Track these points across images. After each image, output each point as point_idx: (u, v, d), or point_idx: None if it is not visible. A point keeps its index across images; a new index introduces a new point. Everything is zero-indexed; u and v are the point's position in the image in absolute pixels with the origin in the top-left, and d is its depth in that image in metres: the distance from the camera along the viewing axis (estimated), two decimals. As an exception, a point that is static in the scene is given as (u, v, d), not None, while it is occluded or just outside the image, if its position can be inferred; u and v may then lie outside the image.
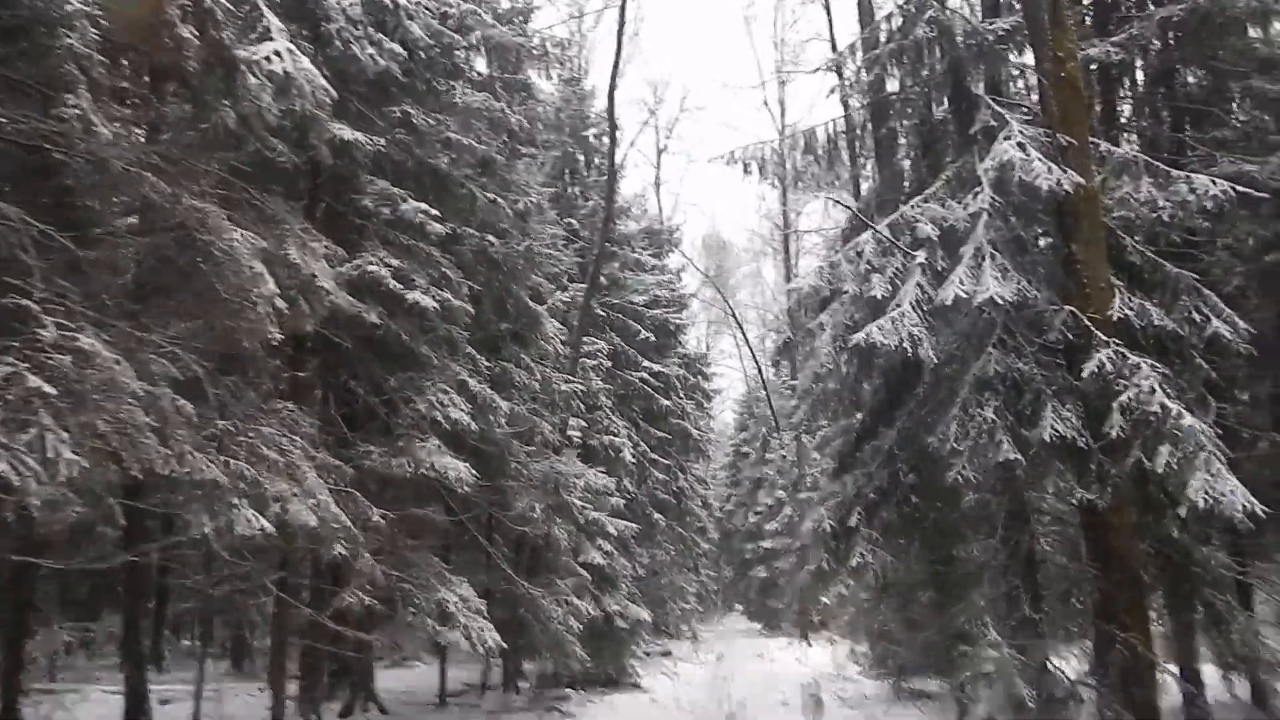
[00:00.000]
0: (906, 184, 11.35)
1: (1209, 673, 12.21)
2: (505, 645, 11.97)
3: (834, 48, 12.84)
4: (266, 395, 9.23)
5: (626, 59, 32.37)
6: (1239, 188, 9.28)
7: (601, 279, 21.84)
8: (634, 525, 19.25)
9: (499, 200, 13.69)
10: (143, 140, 8.17)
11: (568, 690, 15.85)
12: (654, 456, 25.11)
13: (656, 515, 24.88)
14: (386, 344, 11.69)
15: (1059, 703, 9.26)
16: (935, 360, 9.25)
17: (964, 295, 8.59)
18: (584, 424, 17.84)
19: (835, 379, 11.02)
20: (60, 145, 6.48)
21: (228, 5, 7.22)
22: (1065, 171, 8.89)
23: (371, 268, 11.23)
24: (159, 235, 7.53)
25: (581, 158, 24.00)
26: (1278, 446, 11.02)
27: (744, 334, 40.28)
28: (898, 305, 9.25)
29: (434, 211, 11.87)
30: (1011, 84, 11.27)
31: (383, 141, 11.56)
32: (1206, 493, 7.89)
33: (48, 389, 5.42)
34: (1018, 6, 10.52)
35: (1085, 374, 8.68)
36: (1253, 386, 11.71)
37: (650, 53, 77.64)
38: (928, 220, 9.61)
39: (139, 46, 7.31)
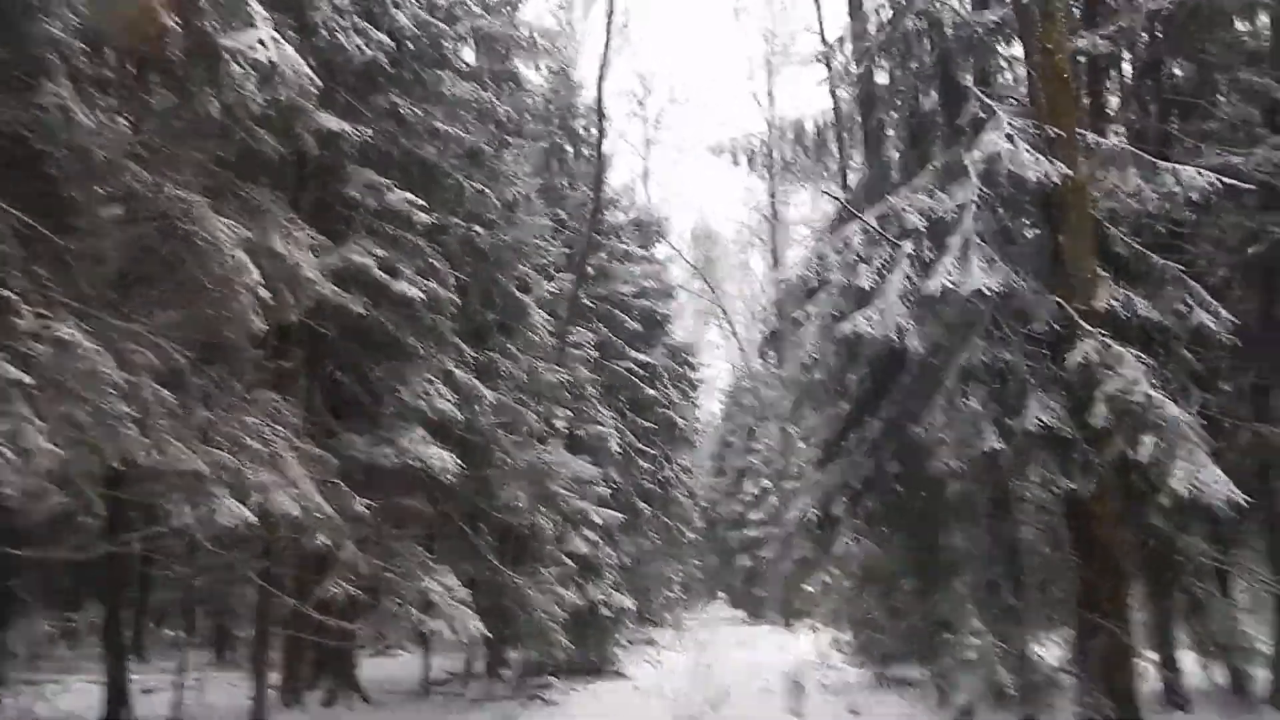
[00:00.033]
0: (895, 175, 11.37)
1: (1187, 660, 12.36)
2: (489, 634, 11.98)
3: (823, 40, 12.79)
4: (250, 385, 9.16)
5: (615, 50, 32.15)
6: (1225, 179, 9.32)
7: (589, 269, 21.82)
8: (619, 514, 19.27)
9: (486, 190, 13.64)
10: (127, 130, 8.07)
11: (551, 678, 15.86)
12: (640, 446, 25.14)
13: (642, 504, 24.92)
14: (372, 334, 11.65)
15: (1039, 689, 9.35)
16: (921, 350, 9.28)
17: (951, 286, 8.62)
18: (570, 414, 17.82)
19: (822, 369, 11.05)
20: (40, 134, 6.39)
21: (212, -8, 7.14)
22: (1053, 163, 8.91)
23: (357, 258, 11.18)
24: (142, 225, 7.46)
25: (570, 149, 23.93)
26: (1259, 437, 11.10)
27: (731, 324, 40.31)
28: (884, 296, 9.27)
29: (420, 202, 11.82)
30: (1000, 76, 11.28)
31: (369, 132, 11.49)
32: (1189, 482, 7.95)
33: (26, 379, 5.37)
34: (1007, -2, 10.54)
35: (1070, 364, 8.73)
36: (1236, 377, 11.79)
37: (639, 44, 77.26)
38: (915, 211, 9.63)
39: (122, 35, 7.22)
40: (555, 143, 23.18)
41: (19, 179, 6.82)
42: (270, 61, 7.26)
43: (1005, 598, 9.51)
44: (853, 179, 12.66)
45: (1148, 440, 8.21)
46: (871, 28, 11.47)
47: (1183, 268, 9.82)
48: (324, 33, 10.88)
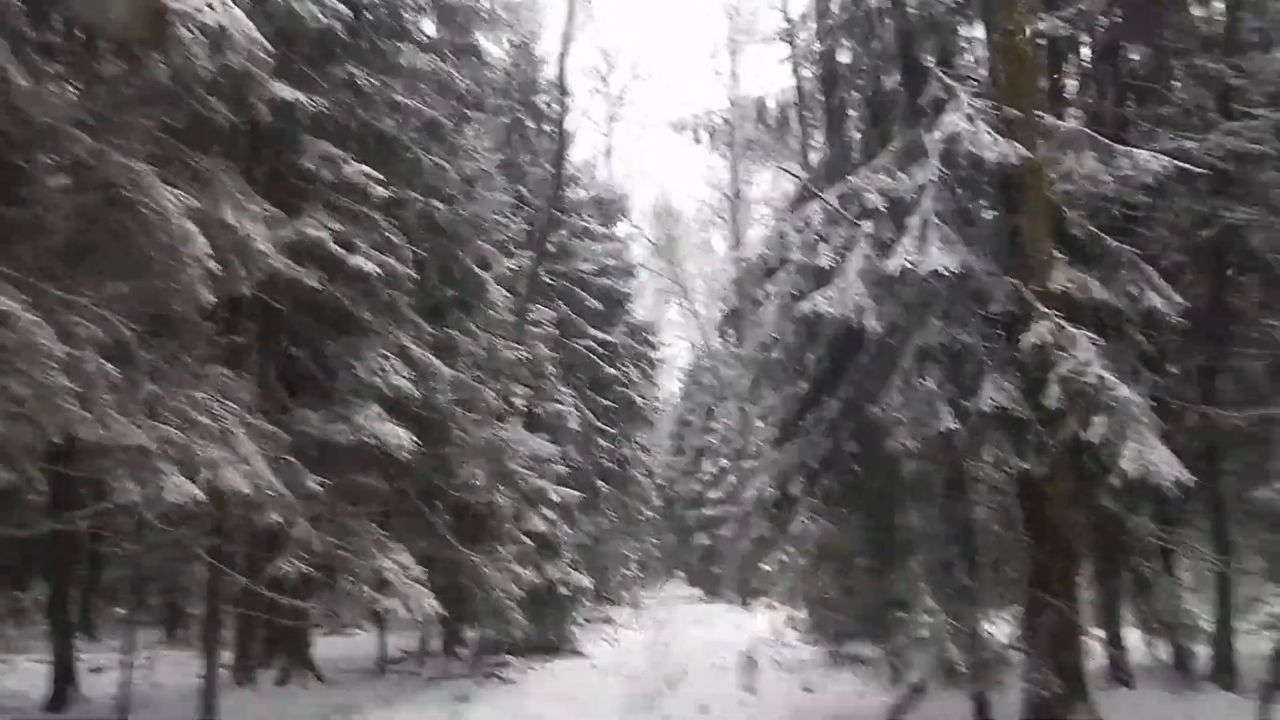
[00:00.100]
0: (856, 155, 11.35)
1: (1133, 637, 12.63)
2: (445, 613, 11.93)
3: (787, 17, 12.74)
4: (201, 360, 8.97)
5: (578, 25, 31.90)
6: (1179, 163, 9.42)
7: (549, 246, 21.70)
8: (578, 493, 19.28)
9: (446, 165, 13.48)
10: (74, 97, 7.82)
11: (508, 657, 15.86)
12: (599, 424, 25.16)
13: (600, 483, 24.97)
14: (327, 309, 11.48)
15: (989, 667, 9.47)
16: (879, 330, 9.29)
17: (910, 266, 8.62)
18: (529, 392, 17.75)
19: (780, 348, 11.04)
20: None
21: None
22: (1012, 144, 8.94)
23: (312, 231, 10.98)
24: (88, 194, 7.24)
25: (531, 124, 23.72)
26: (1206, 419, 11.32)
27: (691, 303, 40.35)
28: (844, 275, 9.27)
29: (378, 175, 11.65)
30: (961, 57, 11.30)
31: (326, 102, 11.26)
32: (1139, 463, 8.05)
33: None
34: (969, -22, 10.53)
35: (1025, 345, 8.79)
36: (1184, 360, 12.00)
37: (602, 19, 76.81)
38: (875, 191, 9.62)
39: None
40: (516, 118, 22.97)
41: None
42: (220, 25, 7.06)
43: (958, 577, 9.59)
44: (814, 158, 12.63)
45: (1099, 421, 8.30)
46: (835, 6, 11.40)
47: (1136, 251, 9.93)
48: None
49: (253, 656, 13.09)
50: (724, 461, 37.81)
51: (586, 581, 18.66)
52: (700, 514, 39.60)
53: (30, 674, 12.35)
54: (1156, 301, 9.39)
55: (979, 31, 10.93)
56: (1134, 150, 9.49)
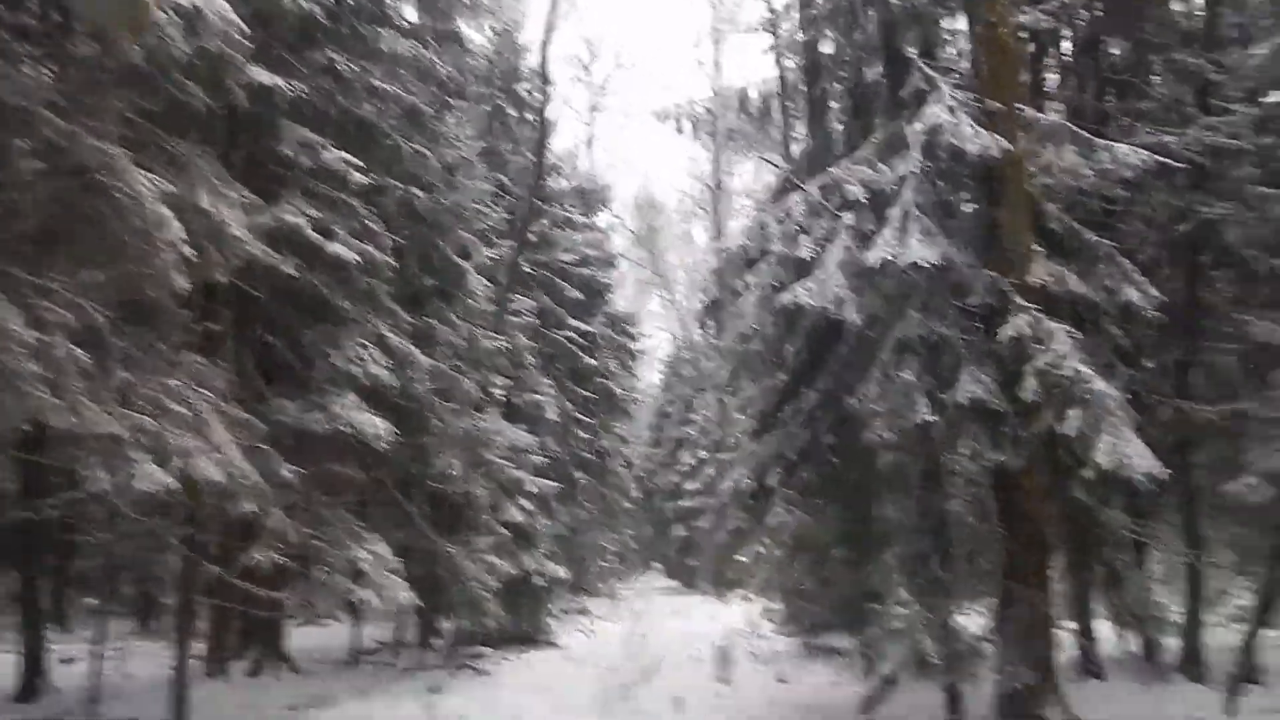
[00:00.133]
0: (838, 146, 11.34)
1: (1103, 629, 12.77)
2: (420, 603, 11.88)
3: (770, 7, 12.68)
4: (176, 347, 8.85)
5: (561, 13, 31.81)
6: (1157, 158, 9.49)
7: (530, 236, 21.61)
8: (555, 484, 19.24)
9: (426, 152, 13.36)
10: (48, 79, 7.69)
11: (483, 648, 15.82)
12: (578, 415, 25.13)
13: (578, 474, 24.96)
14: (304, 296, 11.35)
15: (962, 659, 9.54)
16: (859, 322, 9.31)
17: (890, 258, 8.63)
18: (508, 382, 17.68)
19: (760, 340, 11.05)
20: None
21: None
22: (993, 136, 8.97)
23: (290, 217, 10.86)
24: (61, 178, 7.12)
25: (513, 112, 23.59)
26: (1180, 413, 11.44)
27: (672, 295, 40.34)
28: (824, 267, 9.27)
29: (357, 161, 11.52)
30: (944, 49, 11.32)
31: (305, 88, 11.12)
32: (1113, 456, 8.12)
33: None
34: (952, -31, 10.55)
35: (1003, 338, 8.83)
36: (1159, 354, 12.12)
37: (585, 8, 76.27)
38: (857, 182, 9.63)
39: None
40: (498, 106, 22.83)
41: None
42: (195, 6, 6.95)
43: (933, 569, 9.65)
44: (796, 149, 12.62)
45: (1075, 414, 8.35)
46: (818, -4, 11.40)
47: (1114, 245, 10.00)
48: (257, -18, 10.47)
49: (226, 647, 12.99)
50: (702, 453, 37.87)
51: (563, 573, 18.63)
52: (678, 506, 39.66)
53: (-1, 664, 12.21)
54: (1133, 295, 9.46)
55: (962, 23, 10.95)
56: (1113, 144, 9.55)
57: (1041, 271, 9.30)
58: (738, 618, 20.37)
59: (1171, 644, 12.33)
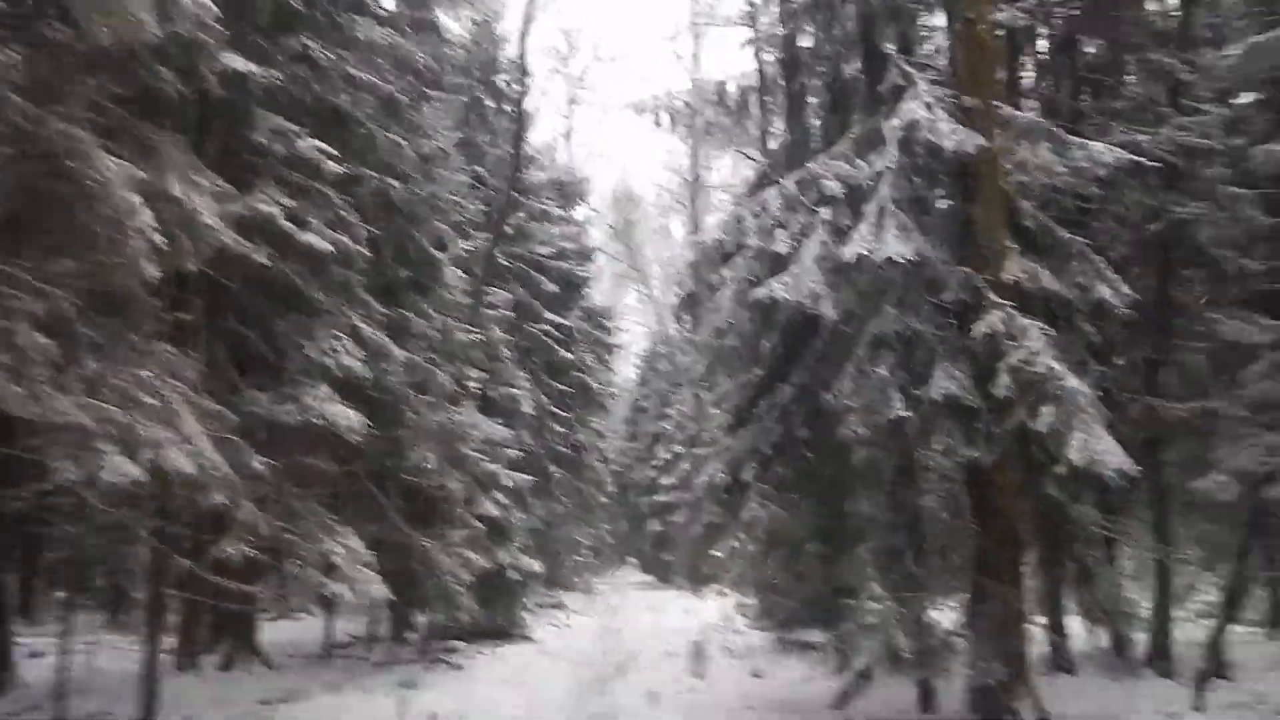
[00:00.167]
0: (815, 141, 11.37)
1: (1074, 624, 12.89)
2: (394, 597, 11.79)
3: (750, 1, 12.69)
4: (147, 337, 8.73)
5: (540, 5, 31.60)
6: (1131, 156, 9.56)
7: (507, 229, 21.51)
8: (531, 477, 19.19)
9: (402, 142, 13.25)
10: (17, 61, 7.54)
11: (457, 642, 15.76)
12: (554, 409, 25.07)
13: (554, 468, 24.90)
14: (277, 286, 11.23)
15: (935, 654, 9.59)
16: (834, 317, 9.33)
17: (866, 253, 8.65)
18: (484, 375, 17.61)
19: (735, 334, 11.06)
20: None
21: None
22: (970, 133, 9.00)
23: (263, 206, 10.73)
24: (29, 164, 6.99)
25: (491, 104, 23.46)
26: (1150, 410, 11.56)
27: (649, 289, 40.30)
28: (800, 261, 9.28)
29: (332, 150, 11.41)
30: (922, 45, 11.36)
31: (279, 75, 11.00)
32: (1085, 452, 8.17)
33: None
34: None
35: (977, 334, 8.87)
36: (1130, 351, 12.23)
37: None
38: (834, 177, 9.64)
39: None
40: (476, 97, 22.69)
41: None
42: (167, -10, 6.84)
43: (906, 564, 9.69)
44: (774, 144, 12.64)
45: (1047, 411, 8.40)
46: (798, -10, 11.39)
47: (1087, 242, 10.07)
48: (230, -33, 10.33)
49: (197, 641, 12.86)
50: (678, 448, 37.89)
51: (538, 567, 18.59)
52: (653, 500, 39.69)
53: (-36, 657, 12.01)
54: (1105, 293, 9.53)
55: (940, 20, 10.98)
56: (1088, 142, 9.61)
57: (1015, 268, 9.34)
58: (713, 612, 20.42)
59: (1141, 639, 12.47)
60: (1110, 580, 11.47)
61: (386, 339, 12.35)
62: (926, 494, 10.86)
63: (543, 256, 25.07)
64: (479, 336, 16.49)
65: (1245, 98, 12.31)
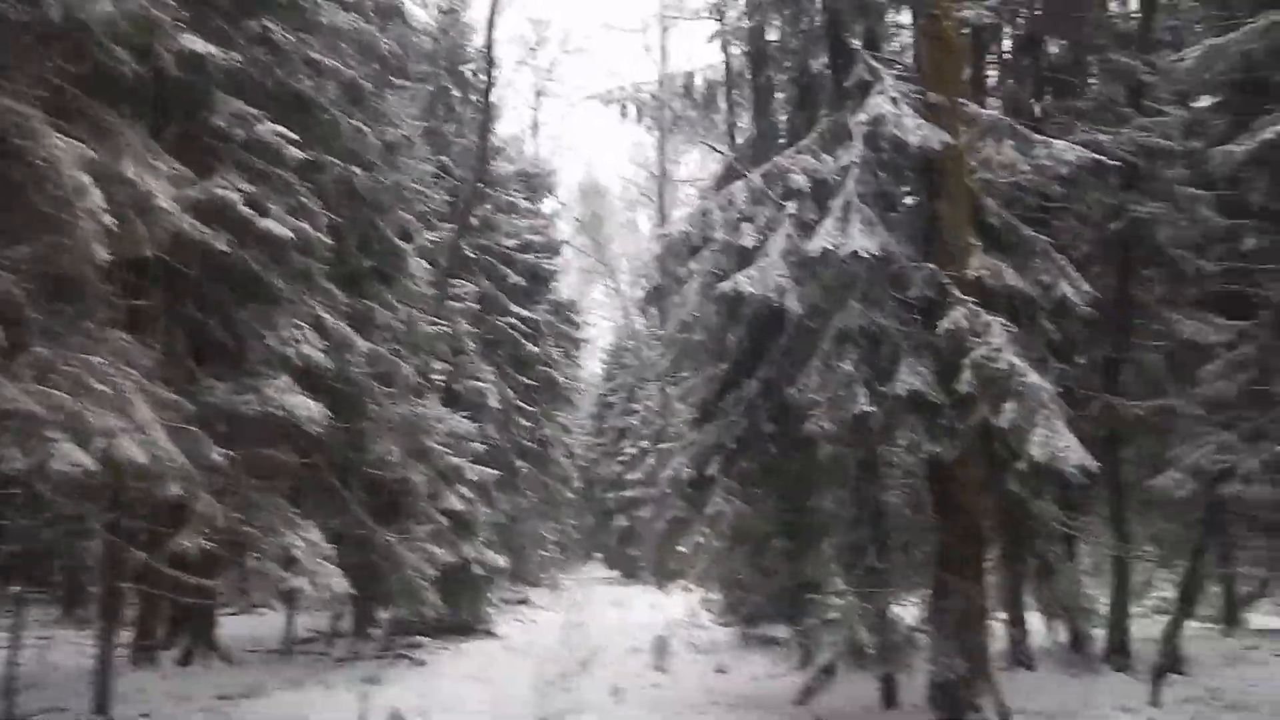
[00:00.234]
0: (782, 135, 11.37)
1: (1033, 620, 13.01)
2: (356, 592, 11.63)
3: (718, -7, 12.67)
4: (101, 324, 8.53)
5: (507, -5, 31.39)
6: (1093, 155, 9.64)
7: (473, 220, 21.35)
8: (496, 472, 19.06)
9: (366, 130, 13.06)
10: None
11: (421, 637, 15.63)
12: (519, 403, 24.94)
13: (519, 462, 24.78)
14: (236, 274, 11.03)
15: (897, 649, 9.64)
16: (800, 312, 9.33)
17: (831, 247, 8.65)
18: (449, 367, 17.46)
19: (701, 328, 11.04)
20: None
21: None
22: (935, 129, 9.02)
23: (221, 191, 10.52)
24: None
25: (457, 93, 23.25)
26: (1109, 407, 11.69)
27: (616, 283, 40.22)
28: (766, 255, 9.27)
29: (293, 136, 11.20)
30: (888, 41, 11.38)
31: (239, 58, 10.78)
32: (1046, 448, 8.23)
33: None
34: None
35: (941, 330, 8.90)
36: (1091, 349, 12.36)
37: (532, -10, 75.58)
38: (800, 171, 9.64)
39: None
40: (442, 86, 22.47)
41: None
42: (119, -36, 6.66)
43: (869, 559, 9.73)
44: (741, 138, 12.62)
45: (1009, 407, 8.45)
46: (765, -18, 11.37)
47: (1050, 240, 10.15)
48: (187, -54, 10.11)
49: (154, 636, 12.64)
50: (644, 443, 37.85)
51: (503, 562, 18.46)
52: (620, 495, 39.64)
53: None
54: (1067, 291, 9.61)
55: (906, 17, 11.01)
56: (1051, 141, 9.67)
57: (979, 265, 9.39)
58: (678, 608, 20.42)
59: (1099, 635, 12.61)
60: (1070, 576, 11.59)
61: (349, 329, 12.17)
62: (890, 489, 10.91)
63: (509, 249, 24.92)
64: (444, 328, 16.34)
65: (1204, 100, 12.48)
